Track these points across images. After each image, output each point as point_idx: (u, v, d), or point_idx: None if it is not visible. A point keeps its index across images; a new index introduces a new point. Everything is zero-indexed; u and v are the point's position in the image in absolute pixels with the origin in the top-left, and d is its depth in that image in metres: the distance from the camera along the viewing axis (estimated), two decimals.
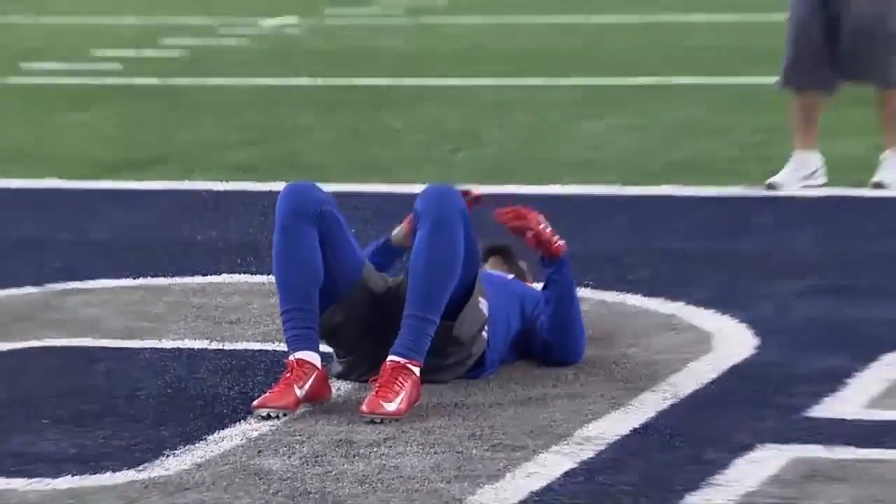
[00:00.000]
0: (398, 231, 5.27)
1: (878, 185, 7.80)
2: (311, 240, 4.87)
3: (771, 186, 7.82)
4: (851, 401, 4.75)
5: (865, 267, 6.53)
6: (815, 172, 7.89)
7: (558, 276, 5.18)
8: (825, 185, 7.92)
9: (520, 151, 8.95)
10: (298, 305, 4.83)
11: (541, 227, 5.16)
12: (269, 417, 4.65)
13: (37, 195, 8.37)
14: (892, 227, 7.31)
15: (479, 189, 5.36)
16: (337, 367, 4.99)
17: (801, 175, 7.85)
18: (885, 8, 7.87)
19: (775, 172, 7.97)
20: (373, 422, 4.59)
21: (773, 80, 8.17)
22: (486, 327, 4.96)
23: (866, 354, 5.16)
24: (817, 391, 4.81)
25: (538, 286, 5.34)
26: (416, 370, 4.70)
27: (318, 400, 4.76)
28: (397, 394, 4.62)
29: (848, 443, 4.35)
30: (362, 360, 4.94)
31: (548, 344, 5.16)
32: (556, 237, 5.18)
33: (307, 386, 4.70)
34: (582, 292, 5.66)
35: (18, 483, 4.14)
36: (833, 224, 7.40)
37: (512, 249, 5.40)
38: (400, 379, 4.66)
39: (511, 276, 5.36)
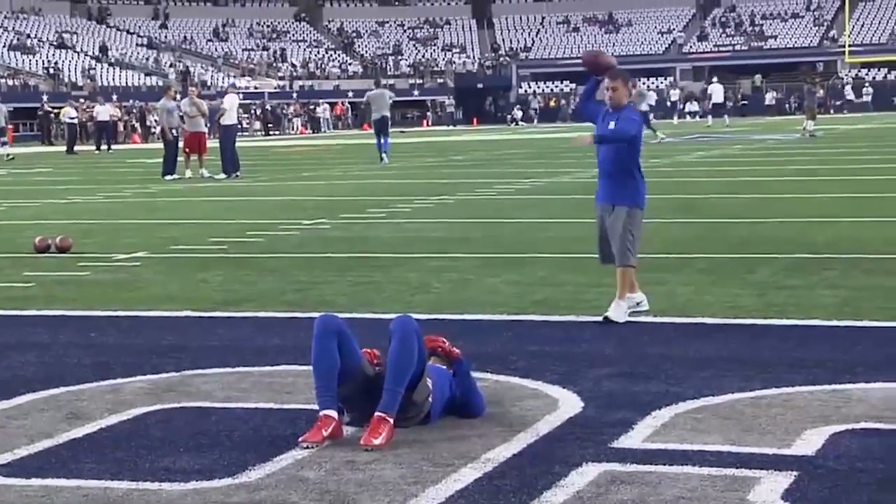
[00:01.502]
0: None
1: (608, 319, 7.92)
2: (333, 347, 5.33)
3: (607, 319, 7.95)
4: (634, 437, 5.14)
5: (643, 362, 6.79)
6: (641, 301, 8.14)
7: (459, 370, 5.60)
8: (645, 310, 8.08)
9: (451, 294, 9.48)
10: (325, 384, 5.26)
11: (446, 345, 5.72)
12: (307, 447, 5.05)
13: (177, 321, 8.69)
14: (657, 340, 7.45)
15: (447, 346, 5.68)
16: (347, 418, 5.38)
17: (630, 306, 8.05)
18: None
19: (595, 306, 8.37)
20: (367, 450, 4.99)
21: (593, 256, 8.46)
22: (430, 396, 5.39)
23: (642, 411, 5.58)
24: (616, 432, 5.21)
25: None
26: (391, 420, 5.17)
27: (336, 438, 5.16)
28: (381, 433, 5.06)
29: (633, 461, 4.78)
30: (361, 414, 5.33)
31: (462, 405, 5.61)
32: (455, 349, 5.63)
33: (329, 429, 5.14)
34: (486, 375, 6.30)
35: (165, 485, 4.60)
36: (625, 337, 7.62)
37: (442, 352, 5.68)
38: (382, 425, 5.09)
39: (444, 367, 5.65)
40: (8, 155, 39.50)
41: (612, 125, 8.16)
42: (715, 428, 5.31)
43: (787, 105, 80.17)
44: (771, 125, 51.86)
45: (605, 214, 8.30)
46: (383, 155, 30.88)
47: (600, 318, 8.06)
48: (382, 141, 31.20)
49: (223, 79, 74.73)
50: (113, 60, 78.74)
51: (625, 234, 8.02)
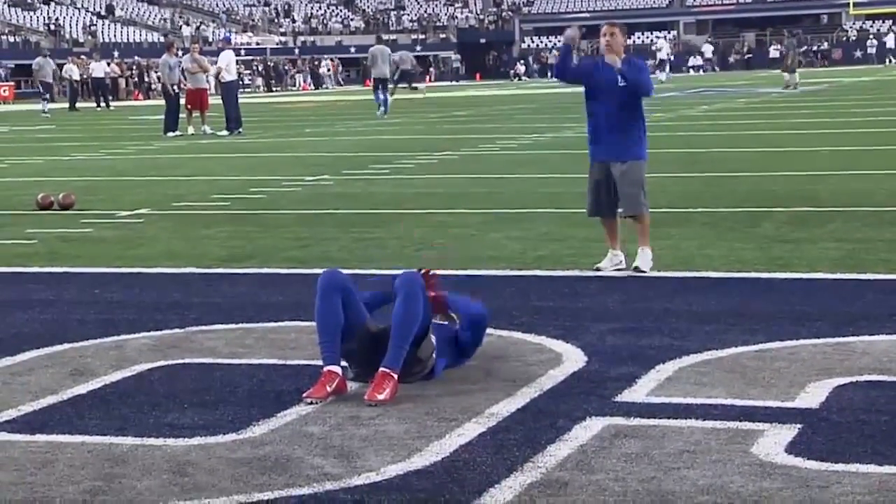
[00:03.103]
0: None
1: (637, 269, 8.04)
2: (336, 302, 5.36)
3: (597, 269, 8.19)
4: (638, 392, 5.16)
5: (646, 316, 6.80)
6: (620, 262, 8.20)
7: (452, 304, 5.70)
8: (624, 269, 8.17)
9: (455, 250, 9.34)
10: (329, 339, 5.31)
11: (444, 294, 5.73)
12: (311, 403, 5.07)
13: (181, 277, 8.71)
14: (661, 294, 7.48)
15: (432, 270, 5.76)
16: (351, 374, 5.41)
17: (613, 263, 8.19)
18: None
19: (599, 261, 8.41)
20: (371, 405, 5.02)
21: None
22: (434, 352, 5.45)
23: (646, 365, 5.61)
24: (620, 386, 5.25)
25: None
26: (396, 375, 5.20)
27: (340, 393, 5.19)
28: (385, 389, 5.09)
29: (636, 415, 4.80)
30: (365, 370, 5.36)
31: (464, 324, 5.65)
32: (437, 294, 5.60)
33: (334, 385, 5.18)
34: (490, 331, 6.14)
35: (170, 441, 4.63)
36: (628, 292, 7.63)
37: (447, 308, 5.73)
38: (387, 380, 5.12)
39: (447, 323, 5.73)
40: (43, 111, 39.58)
41: (617, 77, 8.03)
42: (718, 381, 5.32)
43: None
44: (775, 79, 51.71)
45: (610, 170, 8.27)
46: (382, 108, 31.09)
47: (631, 268, 8.17)
48: (383, 96, 31.41)
49: (224, 34, 74.36)
50: (115, 16, 78.36)
51: (634, 185, 8.07)
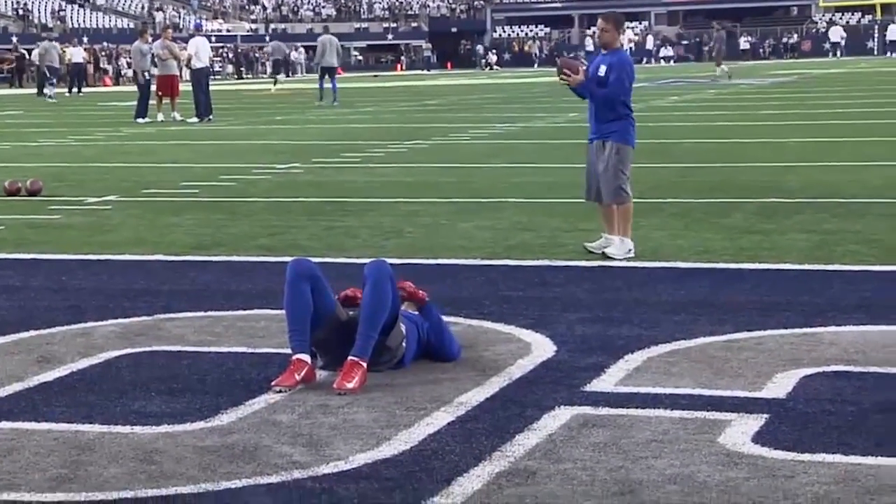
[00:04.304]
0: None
1: (605, 255, 8.10)
2: (305, 290, 5.33)
3: (584, 247, 8.27)
4: (606, 381, 5.19)
5: (616, 306, 6.82)
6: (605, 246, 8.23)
7: (428, 313, 5.61)
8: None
9: (424, 239, 9.34)
10: (298, 328, 5.29)
11: (411, 288, 5.67)
12: (280, 391, 5.07)
13: (149, 264, 8.67)
14: (630, 284, 7.51)
15: (412, 288, 5.70)
16: (320, 362, 5.39)
17: (602, 247, 8.28)
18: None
19: (569, 250, 8.52)
20: (340, 394, 5.01)
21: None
22: (404, 341, 5.42)
23: (615, 355, 5.62)
24: (588, 376, 5.27)
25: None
26: (365, 364, 5.19)
27: (308, 381, 5.17)
28: (354, 377, 5.12)
29: (605, 405, 4.83)
30: (334, 358, 5.33)
31: (436, 349, 5.63)
32: (420, 291, 5.65)
33: (302, 373, 5.16)
34: (459, 319, 6.33)
35: (137, 429, 4.62)
36: (598, 282, 7.69)
37: (407, 295, 5.63)
38: (356, 369, 5.15)
39: (416, 312, 5.69)
40: (49, 97, 39.26)
41: (602, 69, 8.18)
42: (687, 371, 5.35)
43: (761, 49, 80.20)
44: (745, 70, 51.93)
45: (595, 151, 8.39)
46: (335, 97, 31.18)
47: (584, 259, 8.25)
48: (330, 85, 31.69)
49: (194, 21, 73.95)
50: (82, 1, 77.84)
51: (616, 172, 8.11)
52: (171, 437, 4.56)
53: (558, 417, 4.69)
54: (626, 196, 8.16)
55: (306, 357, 5.24)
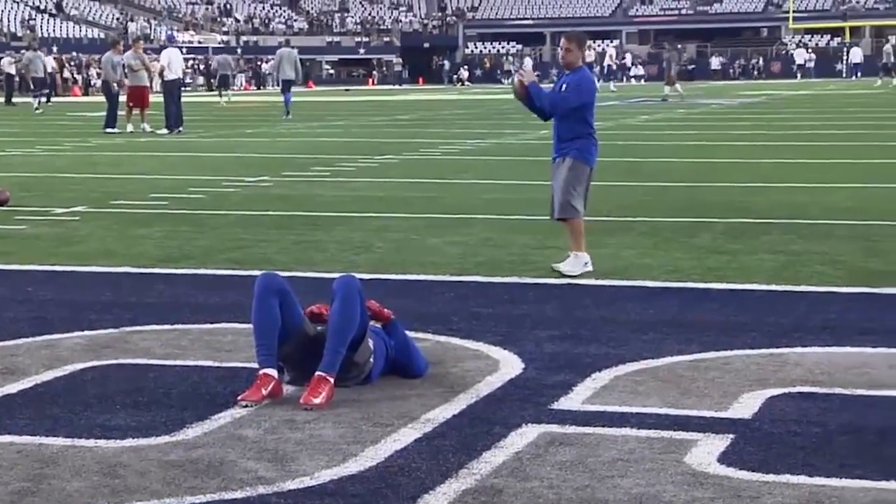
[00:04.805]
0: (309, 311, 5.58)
1: (561, 273, 8.10)
2: (273, 305, 5.34)
3: (554, 270, 8.21)
4: (574, 399, 5.21)
5: (584, 324, 6.85)
6: (586, 263, 8.29)
7: (393, 330, 5.63)
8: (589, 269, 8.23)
9: (393, 254, 9.33)
10: (265, 342, 5.29)
11: (375, 306, 5.62)
12: (246, 406, 5.08)
13: (116, 277, 8.66)
14: (599, 302, 7.51)
15: (377, 306, 5.68)
16: (287, 377, 5.42)
17: (581, 263, 8.28)
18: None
19: (539, 268, 8.49)
20: (306, 409, 5.01)
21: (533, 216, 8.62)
22: (372, 357, 5.45)
23: (582, 373, 5.65)
24: (556, 394, 5.28)
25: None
26: (332, 379, 5.19)
27: (275, 396, 5.18)
28: (321, 393, 5.13)
29: (572, 423, 4.85)
30: (302, 374, 5.34)
31: (403, 365, 5.63)
32: (385, 310, 5.65)
33: (269, 388, 5.20)
34: (427, 336, 6.34)
35: (101, 442, 4.60)
36: (567, 300, 7.67)
37: (371, 313, 5.60)
38: (323, 384, 5.16)
39: (380, 327, 5.69)
40: (37, 108, 38.80)
41: (564, 87, 8.27)
42: (653, 390, 5.37)
43: (731, 70, 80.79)
44: (715, 90, 52.23)
45: (557, 168, 8.45)
46: (288, 109, 31.51)
47: (554, 276, 8.27)
48: (286, 97, 31.82)
49: (166, 32, 73.81)
50: (54, 11, 77.49)
51: (567, 188, 8.14)
52: (136, 451, 4.55)
53: (525, 435, 4.70)
54: (576, 212, 8.19)
55: (273, 372, 5.24)
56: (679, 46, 62.59)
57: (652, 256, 9.24)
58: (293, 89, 33.24)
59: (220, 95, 43.99)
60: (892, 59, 58.39)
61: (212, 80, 69.39)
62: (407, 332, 5.79)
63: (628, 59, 72.80)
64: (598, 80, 48.84)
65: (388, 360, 5.56)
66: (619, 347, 6.22)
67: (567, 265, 8.31)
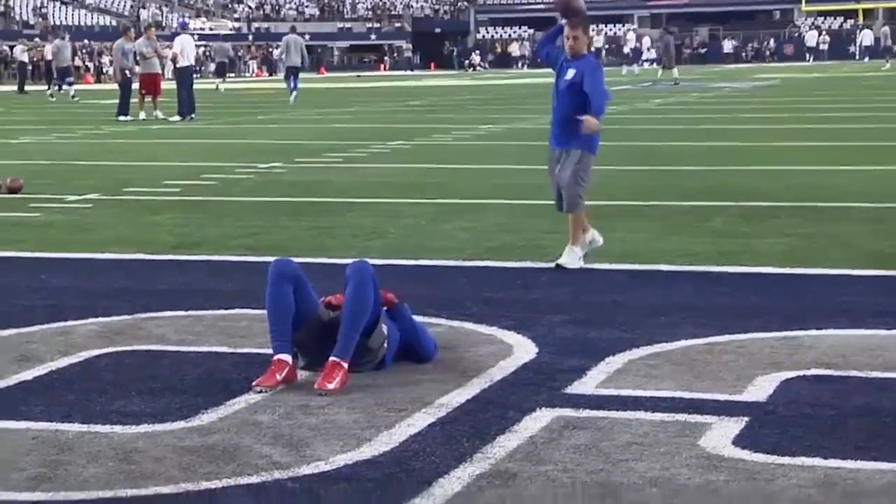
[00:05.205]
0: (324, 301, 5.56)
1: (560, 266, 7.99)
2: (287, 291, 5.35)
3: (559, 266, 8.09)
4: (588, 384, 5.21)
5: (597, 308, 6.87)
6: (593, 239, 8.20)
7: (400, 314, 5.62)
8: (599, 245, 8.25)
9: (406, 240, 9.36)
10: (279, 328, 5.30)
11: (388, 295, 5.64)
12: (261, 392, 5.09)
13: (129, 263, 8.69)
14: (611, 286, 7.53)
15: (389, 293, 5.65)
16: (301, 363, 5.44)
17: (577, 256, 8.18)
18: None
19: (551, 253, 8.41)
20: (321, 394, 5.02)
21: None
22: (385, 342, 5.46)
23: (596, 358, 5.64)
24: (569, 378, 5.28)
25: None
26: (346, 365, 5.20)
27: (289, 382, 5.19)
28: (335, 378, 5.12)
29: (586, 407, 4.85)
30: (316, 359, 5.35)
31: (413, 349, 5.63)
32: (390, 294, 5.60)
33: (283, 373, 5.19)
34: (440, 321, 6.35)
35: (117, 428, 4.63)
36: (579, 284, 7.69)
37: (385, 299, 5.61)
38: (337, 370, 5.16)
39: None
40: (73, 96, 38.83)
41: (570, 73, 8.18)
42: (667, 374, 5.37)
43: (744, 53, 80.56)
44: (728, 73, 52.07)
45: (557, 160, 8.33)
46: (295, 97, 31.56)
47: (553, 265, 8.23)
48: (293, 84, 31.89)
49: (178, 19, 73.81)
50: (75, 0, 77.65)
51: (575, 180, 8.03)
52: (151, 436, 4.56)
53: (539, 419, 4.71)
54: (582, 205, 8.10)
55: (288, 357, 5.26)
56: (675, 29, 62.37)
57: (665, 240, 9.25)
58: (301, 76, 33.20)
59: (216, 86, 44.03)
60: (890, 41, 58.81)
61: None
62: (415, 317, 5.84)
63: (642, 44, 72.75)
64: (621, 65, 48.71)
65: (401, 345, 5.57)
66: (632, 331, 6.21)
67: (566, 258, 8.21)
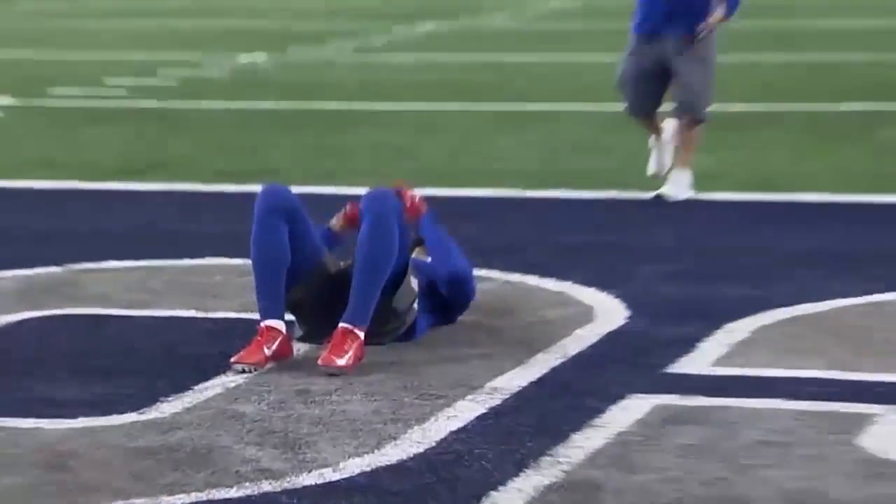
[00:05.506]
0: (336, 220, 5.70)
1: (662, 197, 8.23)
2: (282, 232, 5.36)
3: (660, 197, 8.23)
4: (700, 360, 5.22)
5: (713, 256, 6.94)
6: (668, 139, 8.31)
7: (426, 225, 5.76)
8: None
9: (445, 163, 9.37)
10: (269, 283, 5.31)
11: (408, 193, 5.69)
12: (243, 371, 5.10)
13: (59, 194, 8.84)
14: (735, 225, 7.68)
15: (409, 188, 5.76)
16: (298, 332, 5.43)
17: (686, 184, 8.28)
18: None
19: (643, 181, 8.46)
20: (327, 374, 5.04)
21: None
22: (416, 302, 5.47)
23: (712, 324, 5.61)
24: (674, 352, 5.28)
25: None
26: (361, 334, 5.20)
27: (282, 358, 5.21)
28: (346, 352, 5.11)
29: (697, 393, 4.83)
30: (319, 327, 5.38)
31: (441, 278, 5.62)
32: (417, 199, 5.73)
33: (274, 346, 5.20)
34: (491, 273, 6.35)
35: (44, 423, 4.58)
36: (689, 222, 7.74)
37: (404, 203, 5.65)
38: (348, 340, 5.14)
39: (430, 259, 5.75)
40: None
41: None
42: (814, 347, 5.37)
43: None
44: None
45: (663, 46, 8.35)
46: None
47: (652, 196, 8.29)
48: None
49: None
50: None
51: (708, 80, 8.25)
52: (91, 434, 4.54)
53: (632, 410, 4.70)
54: (707, 112, 8.32)
55: (280, 324, 5.28)
56: None
57: (812, 159, 9.34)
58: None
59: None
60: None
61: None
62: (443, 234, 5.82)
63: None
64: None
65: (438, 305, 5.63)
66: (762, 287, 6.22)
67: (672, 187, 8.30)
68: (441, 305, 5.68)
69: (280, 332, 5.30)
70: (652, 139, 8.42)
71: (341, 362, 5.17)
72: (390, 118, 11.50)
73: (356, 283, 5.28)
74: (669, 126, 8.34)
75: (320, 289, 5.47)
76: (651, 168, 8.41)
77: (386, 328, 5.46)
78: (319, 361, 5.17)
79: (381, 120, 11.44)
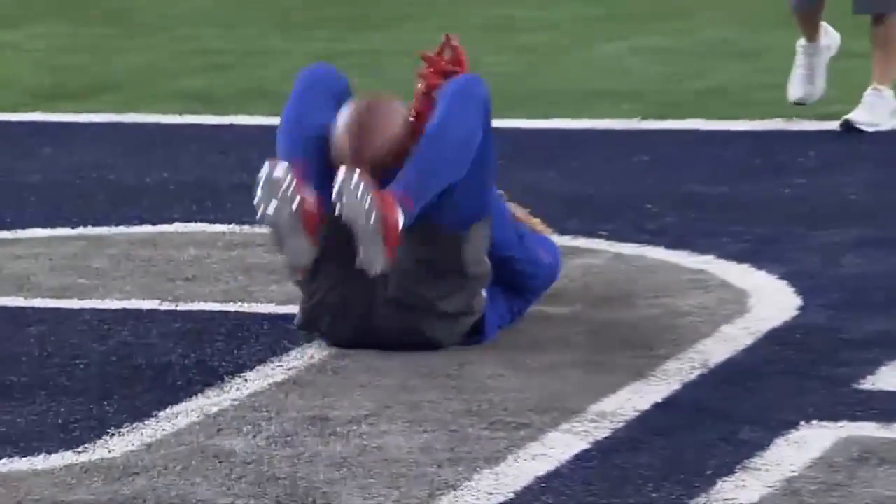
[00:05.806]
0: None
1: (850, 126, 8.27)
2: (326, 115, 5.43)
3: (847, 125, 8.29)
4: None
5: None
6: (830, 45, 8.55)
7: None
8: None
9: (526, 76, 9.46)
10: (293, 131, 5.46)
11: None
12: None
13: None
14: None
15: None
16: (300, 317, 5.49)
17: (890, 109, 8.35)
18: None
19: (825, 104, 8.55)
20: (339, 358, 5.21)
21: None
22: (489, 273, 5.47)
23: None
24: (870, 359, 5.28)
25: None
26: (402, 220, 5.14)
27: (308, 221, 5.23)
28: (395, 211, 5.13)
29: None
30: (348, 314, 5.43)
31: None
32: (465, 55, 5.87)
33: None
34: (595, 244, 6.33)
35: None
36: (890, 166, 7.75)
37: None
38: (396, 202, 5.13)
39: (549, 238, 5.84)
40: None
41: None
42: None
43: None
44: None
45: None
46: None
47: (837, 125, 8.29)
48: None
49: None
50: None
51: None
52: (5, 482, 4.51)
53: (809, 445, 4.67)
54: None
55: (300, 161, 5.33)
56: None
57: None
58: None
59: None
60: None
61: None
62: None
63: None
64: None
65: (514, 301, 5.66)
66: None
67: (866, 112, 8.27)
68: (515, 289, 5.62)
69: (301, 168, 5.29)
70: (802, 42, 8.49)
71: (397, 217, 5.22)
72: (438, 16, 11.74)
73: (417, 155, 5.35)
74: (830, 30, 8.44)
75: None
76: (795, 91, 8.45)
77: (445, 305, 5.40)
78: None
79: (427, 18, 11.65)
